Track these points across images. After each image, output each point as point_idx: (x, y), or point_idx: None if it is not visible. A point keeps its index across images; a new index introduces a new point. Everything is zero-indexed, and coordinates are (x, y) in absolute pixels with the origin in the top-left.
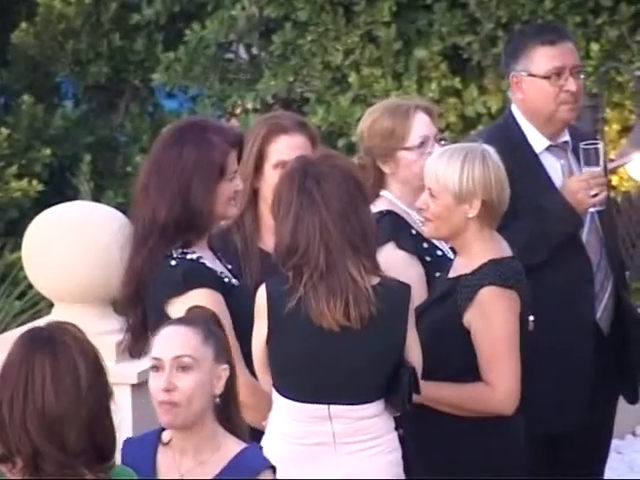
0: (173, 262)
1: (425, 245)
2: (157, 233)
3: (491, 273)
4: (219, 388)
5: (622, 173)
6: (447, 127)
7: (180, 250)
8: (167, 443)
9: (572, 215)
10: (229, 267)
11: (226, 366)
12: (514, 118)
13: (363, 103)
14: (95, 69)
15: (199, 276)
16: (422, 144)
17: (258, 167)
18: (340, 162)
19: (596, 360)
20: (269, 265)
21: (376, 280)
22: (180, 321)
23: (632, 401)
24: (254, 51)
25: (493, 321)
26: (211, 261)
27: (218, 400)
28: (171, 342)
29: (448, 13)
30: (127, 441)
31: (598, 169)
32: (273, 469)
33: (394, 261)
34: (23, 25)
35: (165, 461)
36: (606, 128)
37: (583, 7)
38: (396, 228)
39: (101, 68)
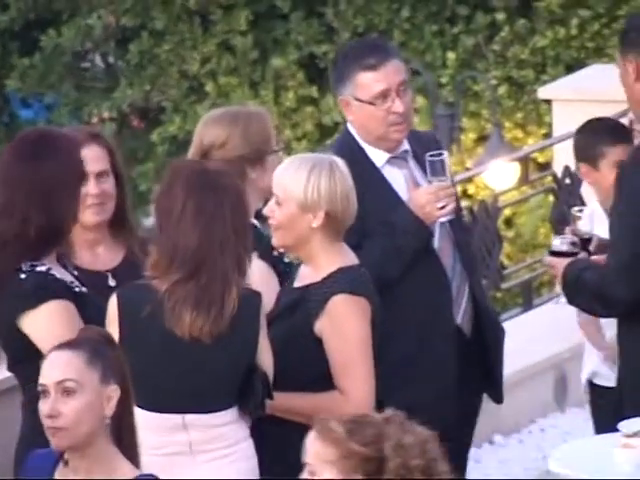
0: (23, 275)
1: (275, 253)
2: (14, 246)
3: (341, 281)
4: (109, 409)
5: (478, 182)
6: (304, 136)
7: (29, 263)
8: (67, 462)
9: (421, 228)
10: (75, 274)
11: (115, 387)
12: (351, 135)
13: None
14: None
15: (50, 288)
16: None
17: None
18: (232, 176)
19: (461, 364)
20: (86, 281)
21: None
22: (64, 345)
23: (498, 400)
24: (110, 60)
25: (345, 329)
26: (60, 272)
27: (109, 421)
28: (54, 367)
29: (304, 22)
30: (32, 454)
31: (445, 179)
32: None
33: (257, 271)
34: None
35: (61, 478)
36: (462, 137)
37: (440, 16)
38: (255, 238)
39: None
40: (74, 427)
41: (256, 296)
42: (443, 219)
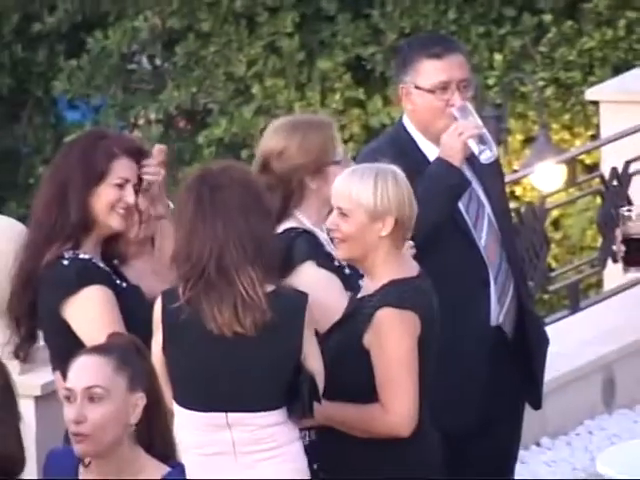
0: (65, 262)
1: (336, 264)
2: (39, 233)
3: (389, 294)
4: (135, 417)
5: (525, 184)
6: (351, 138)
7: (72, 251)
8: (87, 465)
9: (450, 168)
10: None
11: (142, 394)
12: (405, 128)
13: (266, 114)
14: None
15: (92, 273)
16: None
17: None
18: (239, 173)
19: (501, 364)
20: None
21: (271, 288)
22: (93, 350)
23: (536, 407)
24: (157, 62)
25: (388, 342)
26: (102, 264)
27: (134, 428)
28: (82, 372)
29: (351, 24)
30: (51, 454)
31: (470, 119)
32: None
33: (316, 279)
34: None
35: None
36: (509, 138)
37: (486, 18)
38: (313, 247)
39: (3, 79)
40: (98, 434)
41: (302, 296)
42: (481, 155)
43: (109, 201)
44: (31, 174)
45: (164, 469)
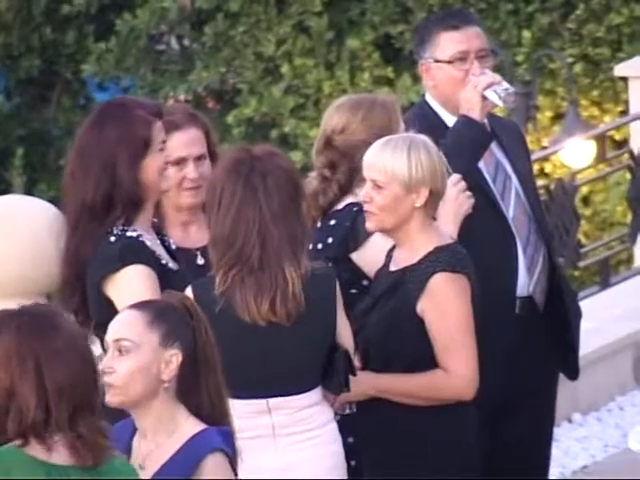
0: (112, 238)
1: None
2: (87, 214)
3: (439, 260)
4: (167, 374)
5: (555, 160)
6: None
7: (121, 227)
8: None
9: (469, 121)
10: (173, 247)
11: (176, 351)
12: (429, 105)
13: (296, 94)
14: (26, 62)
15: (136, 252)
16: None
17: None
18: (284, 161)
19: (532, 335)
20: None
21: (304, 269)
22: (135, 305)
23: (573, 377)
24: (186, 42)
25: (446, 307)
26: (153, 242)
27: (167, 385)
28: (115, 325)
29: (380, 2)
30: (115, 427)
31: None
32: (225, 453)
33: (384, 248)
34: None
35: (136, 445)
36: (538, 115)
37: None
38: None
39: (32, 61)
40: (125, 386)
41: (331, 273)
42: (494, 98)
43: (159, 166)
44: (61, 156)
45: (200, 427)
